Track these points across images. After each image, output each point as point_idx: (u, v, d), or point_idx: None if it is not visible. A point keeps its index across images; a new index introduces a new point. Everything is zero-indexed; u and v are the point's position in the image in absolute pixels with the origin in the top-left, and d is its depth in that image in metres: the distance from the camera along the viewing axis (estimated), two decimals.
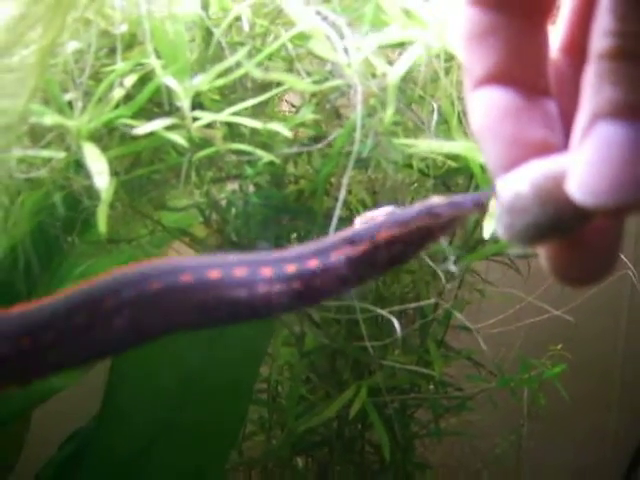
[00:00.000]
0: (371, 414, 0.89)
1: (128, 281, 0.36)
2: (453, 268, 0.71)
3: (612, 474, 1.47)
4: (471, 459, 1.24)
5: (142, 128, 0.63)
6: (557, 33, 0.36)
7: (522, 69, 0.34)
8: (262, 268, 0.36)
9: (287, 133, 0.65)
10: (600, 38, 0.28)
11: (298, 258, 0.37)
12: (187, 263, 0.37)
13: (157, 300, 0.36)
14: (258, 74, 0.64)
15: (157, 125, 0.64)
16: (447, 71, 0.75)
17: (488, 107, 0.34)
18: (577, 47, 0.32)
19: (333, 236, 0.38)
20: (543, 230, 0.31)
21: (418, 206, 0.37)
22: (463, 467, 1.23)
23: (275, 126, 0.65)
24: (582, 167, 0.29)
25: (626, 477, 1.44)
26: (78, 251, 0.90)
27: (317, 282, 0.36)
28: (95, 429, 1.00)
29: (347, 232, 0.37)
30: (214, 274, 0.36)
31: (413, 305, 0.87)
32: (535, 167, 0.31)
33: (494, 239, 0.89)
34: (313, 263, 0.36)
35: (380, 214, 0.37)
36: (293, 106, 0.91)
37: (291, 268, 0.36)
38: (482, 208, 0.36)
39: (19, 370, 0.36)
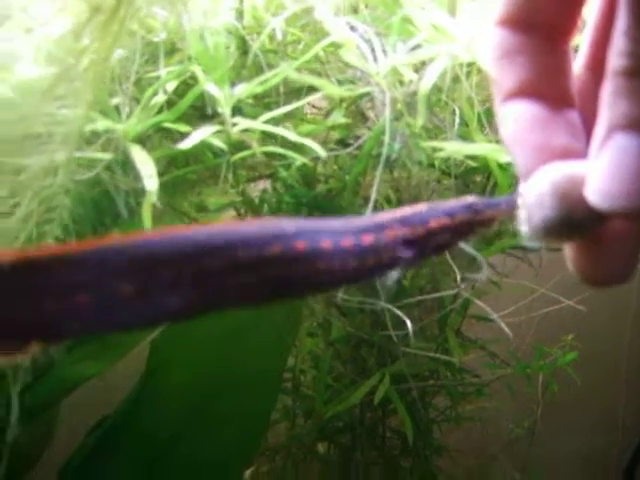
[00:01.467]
0: (394, 400, 0.93)
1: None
2: (480, 276, 0.75)
3: (620, 459, 1.49)
4: (486, 444, 1.27)
5: (190, 139, 0.67)
6: (581, 51, 0.39)
7: (547, 84, 0.37)
8: (322, 242, 0.35)
9: (318, 148, 0.69)
10: (615, 57, 0.31)
11: (354, 234, 0.36)
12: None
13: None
14: (297, 77, 0.68)
15: (202, 134, 0.68)
16: (467, 75, 0.79)
17: (517, 118, 0.37)
18: (599, 64, 0.35)
19: (382, 217, 0.38)
20: (557, 225, 0.34)
21: (458, 202, 0.39)
22: (478, 451, 1.26)
23: (308, 141, 0.69)
24: (598, 173, 0.32)
25: (630, 464, 1.46)
26: None
27: (371, 260, 0.36)
28: (129, 414, 1.03)
29: (397, 215, 0.38)
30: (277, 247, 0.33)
31: (434, 295, 0.90)
32: (556, 169, 0.35)
33: (510, 233, 0.93)
34: (368, 239, 0.36)
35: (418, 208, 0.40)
36: (314, 107, 0.95)
37: (347, 242, 0.36)
38: (514, 209, 0.39)
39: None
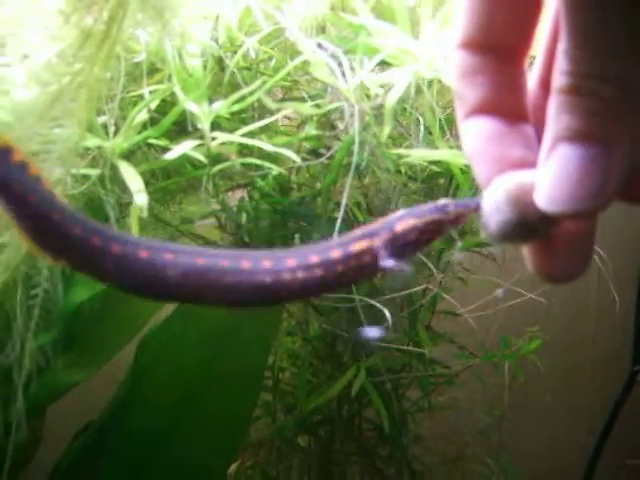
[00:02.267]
0: (370, 392, 0.98)
1: (184, 251, 0.44)
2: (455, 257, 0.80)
3: (587, 445, 1.54)
4: (458, 433, 1.31)
5: (174, 152, 0.72)
6: (535, 69, 0.44)
7: (504, 101, 0.42)
8: (287, 259, 0.43)
9: (296, 158, 0.74)
10: (558, 76, 0.35)
11: (322, 250, 0.44)
12: (225, 253, 0.45)
13: (200, 272, 0.43)
14: (272, 105, 0.73)
15: (185, 148, 0.72)
16: (429, 85, 0.84)
17: (477, 133, 0.42)
18: (550, 82, 0.37)
19: (354, 232, 0.45)
20: (512, 228, 0.39)
21: (430, 205, 0.45)
22: (451, 440, 1.30)
23: (285, 150, 0.74)
24: (545, 181, 0.36)
25: (597, 448, 1.51)
26: None
27: (339, 269, 0.43)
28: (117, 416, 1.05)
29: (367, 227, 0.45)
30: (245, 264, 0.43)
31: (405, 292, 0.95)
32: (509, 178, 0.40)
33: (474, 232, 0.98)
34: (336, 253, 0.43)
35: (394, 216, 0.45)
36: (286, 118, 1.00)
37: (315, 258, 0.43)
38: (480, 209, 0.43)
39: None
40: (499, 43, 0.41)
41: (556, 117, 0.36)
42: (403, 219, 0.45)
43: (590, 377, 1.71)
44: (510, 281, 1.14)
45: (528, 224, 0.38)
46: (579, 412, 1.69)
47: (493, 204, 0.39)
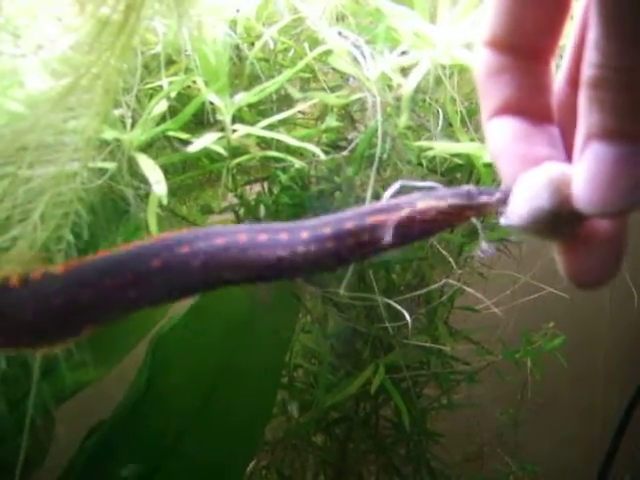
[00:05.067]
0: (390, 389, 0.97)
1: (199, 236, 0.42)
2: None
3: (601, 443, 1.54)
4: (474, 431, 1.31)
5: (195, 144, 0.71)
6: (563, 67, 0.43)
7: (529, 101, 0.41)
8: (301, 232, 0.42)
9: (318, 152, 0.73)
10: (586, 69, 0.34)
11: (336, 221, 0.42)
12: (242, 228, 0.43)
13: (221, 253, 0.41)
14: (296, 94, 0.72)
15: (206, 141, 0.71)
16: (449, 76, 0.83)
17: (502, 133, 0.41)
18: (578, 80, 0.36)
19: (371, 205, 0.43)
20: (547, 216, 0.38)
21: (452, 189, 0.43)
22: (468, 437, 1.30)
23: (309, 145, 0.73)
24: (580, 181, 0.35)
25: (612, 446, 1.51)
26: None
27: (351, 242, 0.42)
28: (131, 415, 1.04)
29: (388, 201, 0.43)
30: (262, 237, 0.42)
31: (426, 289, 0.94)
32: (552, 167, 0.39)
33: (491, 227, 0.97)
34: (349, 224, 0.42)
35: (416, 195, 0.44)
36: (299, 112, 0.99)
37: (327, 229, 0.42)
38: (506, 200, 0.42)
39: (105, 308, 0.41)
40: (526, 43, 0.40)
41: (586, 112, 0.35)
42: (424, 198, 0.43)
43: (604, 374, 1.70)
44: (526, 276, 1.13)
45: (562, 216, 0.37)
46: (593, 409, 1.68)
47: (532, 189, 0.38)
